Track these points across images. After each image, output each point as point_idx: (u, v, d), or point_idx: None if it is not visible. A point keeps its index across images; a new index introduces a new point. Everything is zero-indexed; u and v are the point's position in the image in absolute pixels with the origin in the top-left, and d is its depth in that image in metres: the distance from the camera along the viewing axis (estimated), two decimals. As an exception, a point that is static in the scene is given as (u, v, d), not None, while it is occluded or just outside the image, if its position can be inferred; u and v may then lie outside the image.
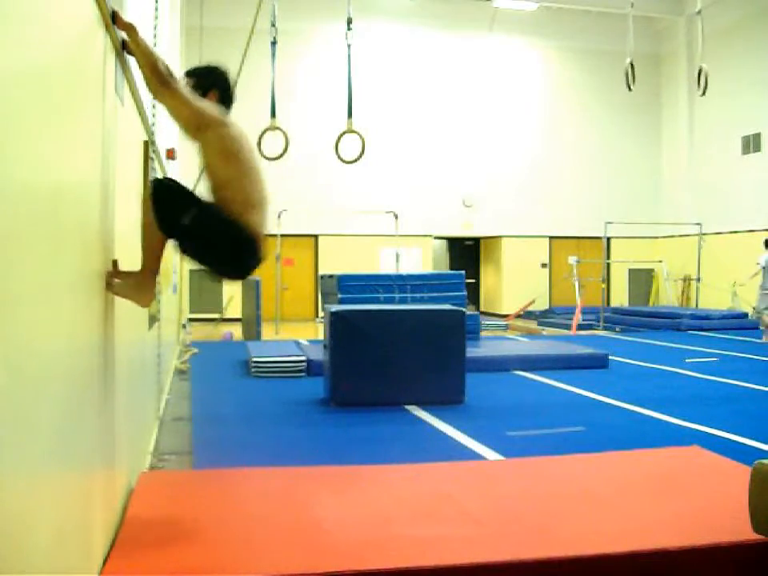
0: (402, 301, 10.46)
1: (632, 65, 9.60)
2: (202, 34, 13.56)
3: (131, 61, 3.21)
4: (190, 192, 2.97)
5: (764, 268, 12.25)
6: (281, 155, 7.55)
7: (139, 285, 2.90)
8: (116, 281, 2.80)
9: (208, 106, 3.03)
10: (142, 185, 4.10)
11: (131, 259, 3.30)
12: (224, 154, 2.99)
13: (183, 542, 2.84)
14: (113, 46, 2.83)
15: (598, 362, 9.12)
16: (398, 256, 15.42)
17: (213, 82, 3.18)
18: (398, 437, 5.49)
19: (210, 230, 2.91)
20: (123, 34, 2.92)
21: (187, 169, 12.29)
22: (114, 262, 2.86)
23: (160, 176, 2.83)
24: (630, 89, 9.66)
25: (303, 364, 8.38)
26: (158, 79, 2.87)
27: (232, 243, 2.95)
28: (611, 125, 19.23)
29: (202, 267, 3.05)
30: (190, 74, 3.23)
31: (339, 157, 7.76)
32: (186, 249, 2.97)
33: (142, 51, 2.88)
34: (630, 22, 10.66)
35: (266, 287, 13.30)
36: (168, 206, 2.86)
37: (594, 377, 8.33)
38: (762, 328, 12.36)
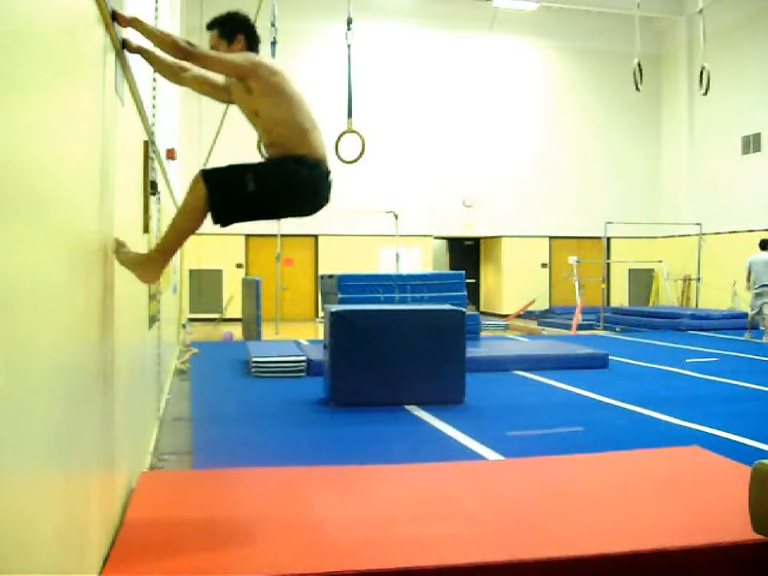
0: (402, 301, 10.46)
1: (639, 65, 9.59)
2: (202, 34, 13.53)
3: (131, 61, 3.22)
4: (231, 165, 3.02)
5: (749, 268, 12.39)
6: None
7: (148, 261, 2.92)
8: (124, 249, 2.82)
9: (239, 56, 3.10)
10: (142, 185, 4.10)
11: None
12: (270, 94, 3.07)
13: (183, 542, 2.84)
14: (112, 45, 2.83)
15: (597, 362, 9.12)
16: (398, 256, 15.42)
17: (236, 27, 3.25)
18: (398, 437, 5.49)
19: (277, 178, 3.01)
20: (125, 33, 2.93)
21: (187, 169, 12.30)
22: (118, 242, 2.87)
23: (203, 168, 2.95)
24: (638, 89, 9.65)
25: (303, 364, 8.38)
26: (183, 53, 2.93)
27: (302, 178, 3.03)
28: (611, 125, 19.23)
29: (289, 215, 3.21)
30: (211, 25, 3.31)
31: (339, 157, 7.75)
32: (263, 213, 3.11)
33: (156, 37, 2.95)
34: (636, 23, 10.66)
35: (266, 287, 13.29)
36: (227, 186, 2.93)
37: (593, 377, 8.33)
38: (762, 328, 12.37)
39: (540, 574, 2.71)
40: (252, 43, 3.25)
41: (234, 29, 3.22)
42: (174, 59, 3.08)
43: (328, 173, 3.14)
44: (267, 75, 3.07)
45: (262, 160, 3.14)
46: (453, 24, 18.26)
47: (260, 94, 3.06)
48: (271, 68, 3.11)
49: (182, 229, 2.96)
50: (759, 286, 12.22)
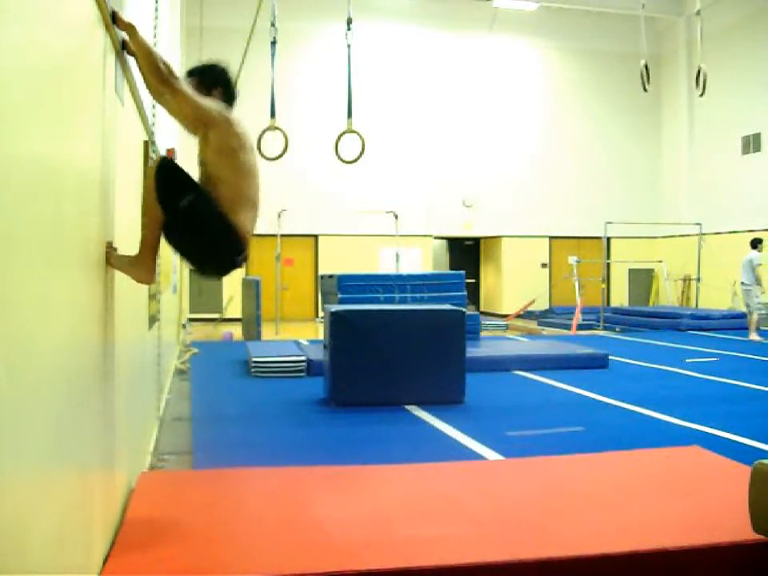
0: (402, 301, 10.46)
1: (646, 66, 9.59)
2: (201, 34, 13.56)
3: (131, 61, 3.22)
4: (191, 177, 2.98)
5: (744, 266, 12.58)
6: (280, 155, 7.55)
7: (137, 261, 2.89)
8: (115, 253, 2.82)
9: (210, 104, 3.04)
10: (142, 184, 4.10)
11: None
12: (223, 152, 3.00)
13: (183, 541, 2.84)
14: (113, 46, 2.83)
15: (598, 362, 9.12)
16: (397, 256, 15.42)
17: (215, 79, 3.20)
18: (398, 437, 5.49)
19: (201, 218, 2.91)
20: (124, 34, 2.92)
21: (187, 169, 12.30)
22: (110, 243, 2.85)
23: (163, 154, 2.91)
24: (645, 89, 9.66)
25: (303, 364, 8.38)
26: (159, 78, 2.87)
27: (219, 236, 2.94)
28: (611, 125, 19.23)
29: (183, 258, 3.06)
30: (192, 73, 3.24)
31: (339, 157, 7.75)
32: (172, 234, 2.95)
33: (143, 51, 2.88)
34: (641, 23, 10.69)
35: (266, 287, 13.29)
36: (169, 185, 2.87)
37: (593, 377, 8.33)
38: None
39: (540, 574, 2.72)
40: (228, 97, 3.20)
41: (213, 81, 3.16)
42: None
43: (241, 253, 3.02)
44: (227, 133, 3.00)
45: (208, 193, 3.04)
46: (453, 24, 18.26)
47: (214, 149, 2.98)
48: (235, 129, 3.03)
49: (150, 217, 2.91)
50: (741, 283, 12.63)
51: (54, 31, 1.87)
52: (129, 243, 3.33)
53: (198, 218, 2.91)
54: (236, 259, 3.02)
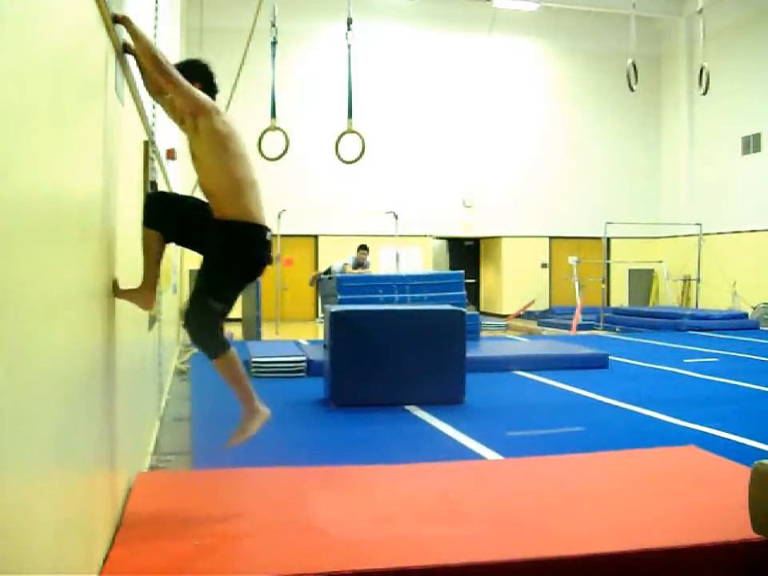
0: (402, 301, 10.46)
1: (634, 65, 9.59)
2: (202, 34, 13.56)
3: (131, 61, 3.23)
4: (176, 196, 3.35)
5: None
6: (281, 155, 7.55)
7: (138, 294, 3.15)
8: (120, 288, 3.01)
9: (202, 94, 3.15)
10: (143, 185, 4.10)
11: (132, 258, 3.31)
12: (216, 140, 3.12)
13: (183, 541, 2.84)
14: (113, 46, 2.83)
15: (597, 362, 9.11)
16: (397, 256, 15.42)
17: (194, 75, 3.27)
18: (398, 437, 5.49)
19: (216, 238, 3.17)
20: (125, 36, 2.94)
21: (187, 169, 12.30)
22: (115, 282, 2.98)
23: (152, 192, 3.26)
24: (632, 89, 9.65)
25: (303, 364, 8.38)
26: (158, 68, 2.97)
27: (232, 249, 3.17)
28: (611, 125, 19.23)
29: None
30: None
31: (339, 157, 7.75)
32: (194, 246, 3.38)
33: (140, 40, 2.96)
34: (632, 22, 10.66)
35: (266, 287, 13.30)
36: (169, 214, 3.22)
37: (593, 377, 8.32)
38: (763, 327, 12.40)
39: (540, 574, 2.72)
40: (209, 91, 3.28)
41: (193, 76, 3.24)
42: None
43: (261, 238, 3.21)
44: (217, 121, 3.13)
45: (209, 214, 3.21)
46: (453, 24, 18.26)
47: (205, 137, 3.11)
48: (224, 118, 3.18)
49: (148, 252, 3.19)
50: None
51: (55, 32, 1.87)
52: (130, 244, 3.33)
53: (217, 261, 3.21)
54: (257, 248, 3.21)
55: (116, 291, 2.96)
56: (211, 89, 3.31)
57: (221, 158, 3.12)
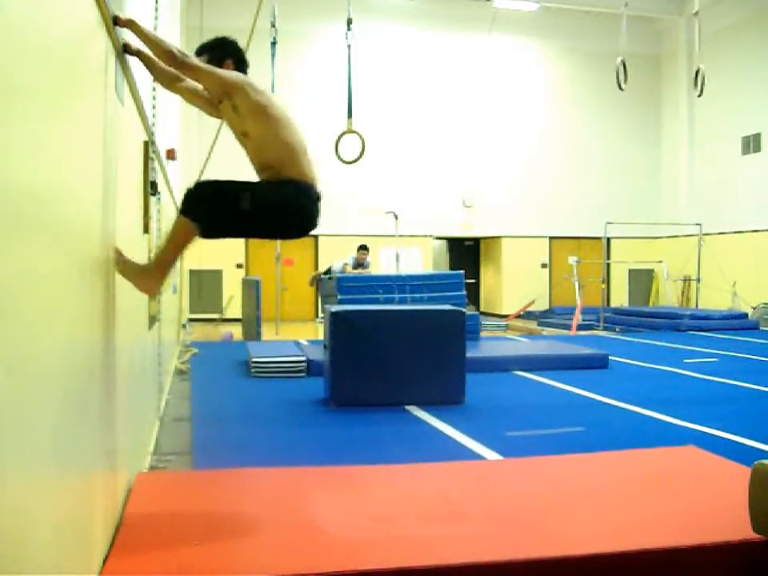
0: (402, 301, 10.46)
1: (624, 64, 9.61)
2: (202, 34, 13.53)
3: (131, 61, 3.23)
4: (227, 181, 3.02)
5: None
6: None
7: (145, 273, 2.97)
8: (123, 259, 2.85)
9: (228, 72, 3.12)
10: (143, 185, 4.10)
11: (131, 258, 3.29)
12: (257, 112, 3.07)
13: (183, 542, 2.84)
14: (113, 47, 2.83)
15: (598, 362, 9.11)
16: (397, 256, 15.42)
17: (224, 52, 3.25)
18: (398, 437, 5.49)
19: (273, 200, 2.99)
20: (126, 36, 2.94)
21: (187, 169, 12.30)
22: (118, 251, 2.88)
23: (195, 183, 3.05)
24: (620, 88, 9.68)
25: (303, 364, 8.38)
26: (174, 62, 2.95)
27: (297, 201, 3.03)
28: (611, 125, 19.23)
29: (276, 237, 3.24)
30: (201, 50, 3.30)
31: (339, 157, 7.75)
32: (251, 232, 3.14)
33: (150, 40, 2.96)
34: (623, 21, 10.71)
35: (266, 287, 13.29)
36: (220, 202, 2.92)
37: (593, 377, 8.33)
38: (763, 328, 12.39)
39: (539, 574, 2.72)
40: (240, 69, 3.25)
41: (223, 54, 3.22)
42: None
43: (319, 198, 3.12)
44: (252, 93, 3.07)
45: (259, 180, 3.09)
46: (453, 24, 18.26)
47: (247, 113, 3.05)
48: (257, 87, 3.11)
49: (177, 242, 2.98)
50: None
51: (55, 33, 1.87)
52: (130, 244, 3.33)
53: (268, 205, 2.99)
54: (317, 207, 3.11)
55: (119, 262, 2.82)
56: (242, 64, 3.27)
57: (271, 127, 3.05)
